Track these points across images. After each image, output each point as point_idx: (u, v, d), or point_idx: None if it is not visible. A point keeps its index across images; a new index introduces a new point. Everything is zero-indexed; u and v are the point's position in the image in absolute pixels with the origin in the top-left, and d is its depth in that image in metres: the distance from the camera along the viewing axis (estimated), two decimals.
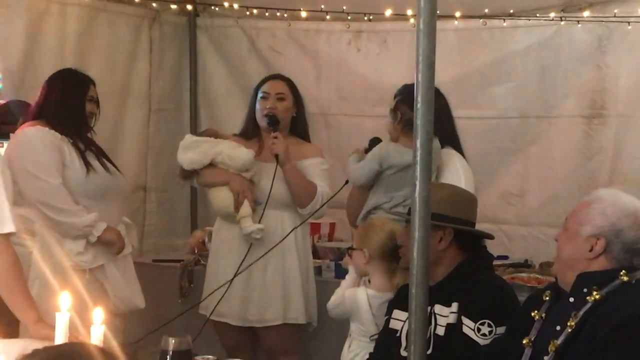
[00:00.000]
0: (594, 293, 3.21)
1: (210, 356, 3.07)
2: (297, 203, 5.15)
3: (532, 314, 3.40)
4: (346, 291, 4.40)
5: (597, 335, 3.12)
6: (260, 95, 5.25)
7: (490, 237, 4.14)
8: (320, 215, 5.30)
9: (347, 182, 5.15)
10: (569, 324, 3.20)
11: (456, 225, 3.92)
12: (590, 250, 3.30)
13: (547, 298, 3.42)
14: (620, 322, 3.11)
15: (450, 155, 5.01)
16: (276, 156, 5.05)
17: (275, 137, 5.07)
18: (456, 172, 4.91)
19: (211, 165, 5.21)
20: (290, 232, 5.11)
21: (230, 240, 5.21)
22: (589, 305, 3.20)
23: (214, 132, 5.39)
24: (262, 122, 5.22)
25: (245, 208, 5.07)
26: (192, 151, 5.23)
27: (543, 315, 3.38)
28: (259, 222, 5.06)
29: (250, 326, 5.20)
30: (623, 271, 3.24)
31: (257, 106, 5.24)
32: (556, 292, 3.41)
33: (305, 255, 5.30)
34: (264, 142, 5.27)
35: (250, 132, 5.35)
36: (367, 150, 5.07)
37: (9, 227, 3.84)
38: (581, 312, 3.20)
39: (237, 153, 5.14)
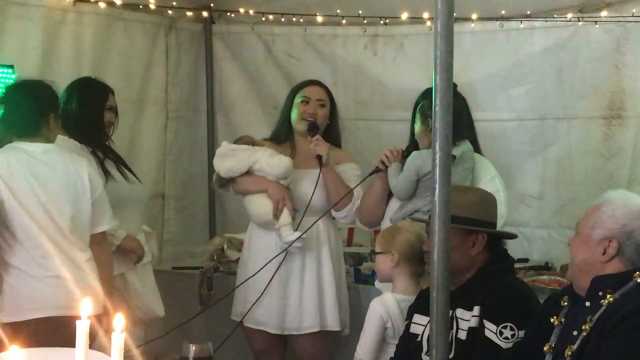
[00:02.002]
0: (608, 296, 3.19)
1: None
2: (331, 207, 5.13)
3: (552, 320, 3.39)
4: (372, 301, 4.34)
5: (604, 331, 3.12)
6: (300, 99, 5.24)
7: (514, 236, 4.12)
8: (353, 219, 5.30)
9: (373, 171, 5.06)
10: (584, 328, 3.19)
11: (491, 230, 3.93)
12: (604, 254, 3.28)
13: (565, 303, 3.41)
14: (624, 315, 3.11)
15: (482, 161, 4.97)
16: (319, 158, 5.05)
17: (317, 139, 5.07)
18: (492, 181, 4.87)
19: (248, 172, 5.19)
20: (317, 220, 5.09)
21: (265, 247, 5.18)
22: (603, 308, 3.19)
23: (251, 139, 5.34)
24: (300, 126, 5.21)
25: (285, 216, 5.04)
26: (229, 159, 5.21)
27: (562, 320, 3.36)
28: (297, 229, 5.04)
29: (287, 334, 5.21)
30: (637, 272, 3.22)
31: (296, 109, 5.23)
32: (573, 297, 3.39)
33: (339, 261, 5.31)
34: (296, 147, 5.28)
35: (282, 137, 5.34)
36: (404, 155, 4.97)
37: (105, 226, 4.56)
38: (596, 316, 3.19)
39: (275, 161, 5.12)
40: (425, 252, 4.06)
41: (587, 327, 3.18)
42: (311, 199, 5.05)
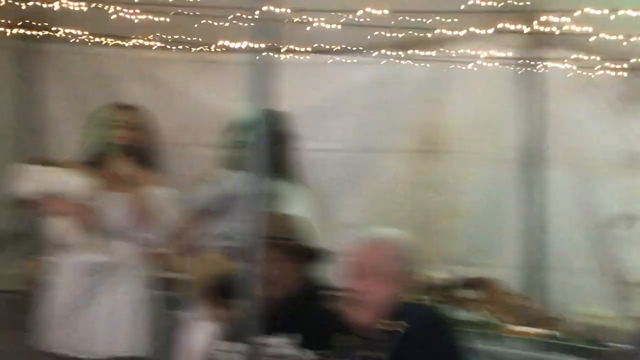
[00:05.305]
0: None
1: None
2: (139, 230, 5.13)
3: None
4: (187, 334, 4.35)
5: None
6: (110, 122, 5.23)
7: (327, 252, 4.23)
8: (160, 243, 5.27)
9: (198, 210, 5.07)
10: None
11: (317, 248, 4.16)
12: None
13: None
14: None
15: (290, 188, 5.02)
16: (122, 183, 5.04)
17: (123, 164, 5.06)
18: (299, 207, 4.89)
19: (49, 194, 5.13)
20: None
21: (67, 269, 5.13)
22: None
23: (46, 160, 5.35)
24: (111, 149, 5.19)
25: (80, 237, 5.03)
26: (25, 181, 5.15)
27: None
28: (104, 251, 5.04)
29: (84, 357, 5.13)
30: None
31: (107, 134, 5.22)
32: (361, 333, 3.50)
33: (142, 286, 5.25)
34: (108, 170, 5.23)
35: (93, 159, 5.28)
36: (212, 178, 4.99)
37: None
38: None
39: (73, 182, 5.11)
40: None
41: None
42: (114, 221, 5.07)
